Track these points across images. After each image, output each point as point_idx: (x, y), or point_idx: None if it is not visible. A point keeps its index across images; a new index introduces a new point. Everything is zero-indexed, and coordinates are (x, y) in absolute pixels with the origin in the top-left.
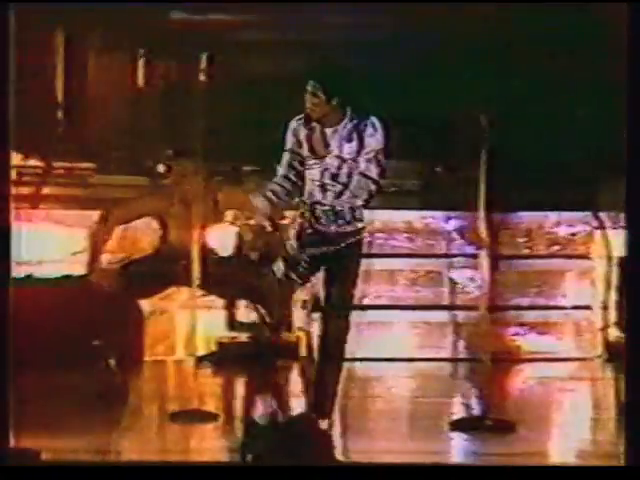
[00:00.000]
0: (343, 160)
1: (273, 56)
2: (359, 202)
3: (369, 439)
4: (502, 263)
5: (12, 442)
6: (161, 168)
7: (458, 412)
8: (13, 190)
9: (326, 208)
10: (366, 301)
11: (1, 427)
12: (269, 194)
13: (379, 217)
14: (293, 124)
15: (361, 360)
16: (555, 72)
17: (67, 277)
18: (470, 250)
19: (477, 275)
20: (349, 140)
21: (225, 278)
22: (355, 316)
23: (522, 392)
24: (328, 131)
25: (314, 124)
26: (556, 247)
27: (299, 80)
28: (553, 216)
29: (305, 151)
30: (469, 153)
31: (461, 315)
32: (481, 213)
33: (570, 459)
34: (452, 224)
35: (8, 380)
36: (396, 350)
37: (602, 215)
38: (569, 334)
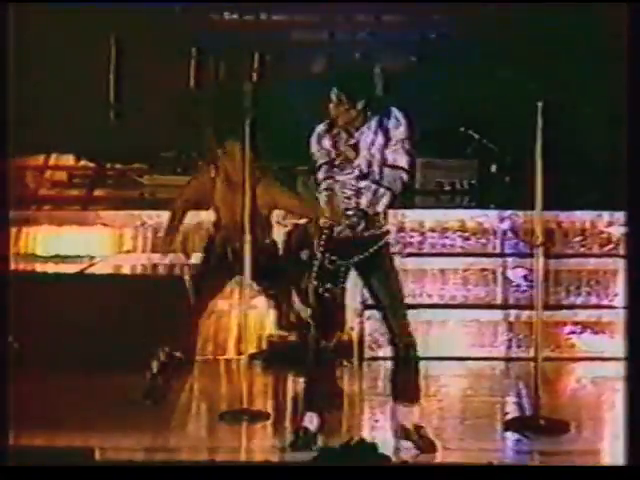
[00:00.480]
0: (372, 157)
1: (324, 55)
2: (395, 193)
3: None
4: (556, 262)
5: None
6: None
7: (511, 411)
8: (64, 192)
9: (359, 213)
10: (418, 300)
11: (1, 427)
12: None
13: (432, 216)
14: (319, 133)
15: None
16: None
17: (116, 276)
18: (524, 249)
19: (531, 274)
20: (375, 136)
21: (276, 277)
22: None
23: (575, 392)
24: (355, 135)
25: (339, 130)
26: (609, 246)
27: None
28: (606, 215)
29: (336, 160)
30: (523, 152)
31: (514, 314)
32: (535, 212)
33: (620, 460)
34: (506, 223)
35: (8, 380)
36: (449, 349)
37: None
38: (621, 334)
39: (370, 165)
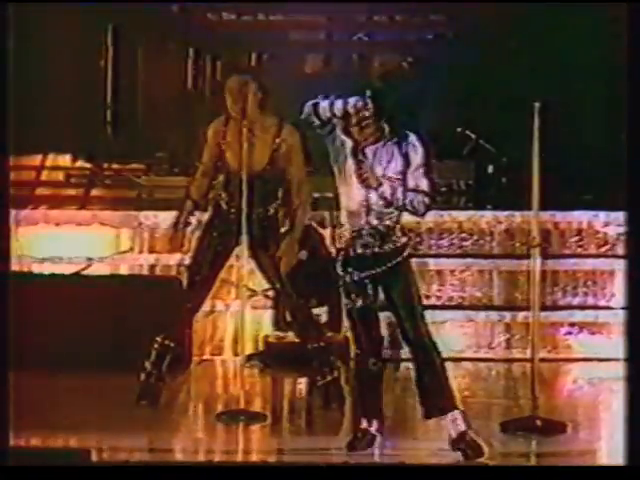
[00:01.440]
0: (391, 181)
1: (321, 55)
2: (418, 216)
3: (417, 439)
4: (553, 263)
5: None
6: None
7: (508, 412)
8: (61, 191)
9: (372, 231)
10: None
11: (1, 426)
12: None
13: (429, 217)
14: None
15: (410, 360)
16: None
17: (114, 277)
18: (520, 250)
19: (527, 274)
20: (392, 159)
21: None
22: None
23: (572, 392)
24: (371, 150)
25: (353, 146)
26: (606, 247)
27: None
28: (602, 216)
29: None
30: (520, 153)
31: (511, 315)
32: (532, 213)
33: (618, 460)
34: (502, 223)
35: (8, 380)
36: (445, 350)
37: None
38: (618, 334)
39: (394, 192)
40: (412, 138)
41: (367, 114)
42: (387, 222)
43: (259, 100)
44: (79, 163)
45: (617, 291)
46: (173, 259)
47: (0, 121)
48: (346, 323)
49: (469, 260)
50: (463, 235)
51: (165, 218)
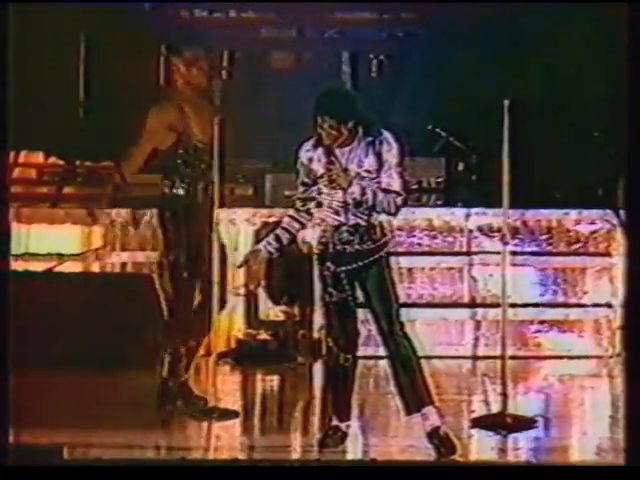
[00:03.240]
0: (362, 179)
1: (293, 53)
2: (389, 217)
3: (388, 437)
4: (523, 260)
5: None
6: None
7: (478, 409)
8: (33, 189)
9: (349, 229)
10: None
11: (1, 426)
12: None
13: (399, 214)
14: (304, 153)
15: (380, 358)
16: (571, 68)
17: (85, 274)
18: (491, 247)
19: (497, 272)
20: (366, 158)
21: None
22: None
23: (542, 389)
24: (344, 152)
25: (322, 148)
26: (577, 245)
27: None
28: (574, 213)
29: (323, 177)
30: (490, 151)
31: (481, 312)
32: (502, 210)
33: (589, 456)
34: (472, 221)
35: (8, 380)
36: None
37: (623, 213)
38: (589, 332)
39: (364, 192)
40: (386, 135)
41: (332, 123)
42: (366, 220)
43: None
44: (51, 160)
45: (588, 289)
46: (145, 256)
47: None
48: (321, 318)
49: (439, 258)
50: (433, 233)
51: (138, 215)
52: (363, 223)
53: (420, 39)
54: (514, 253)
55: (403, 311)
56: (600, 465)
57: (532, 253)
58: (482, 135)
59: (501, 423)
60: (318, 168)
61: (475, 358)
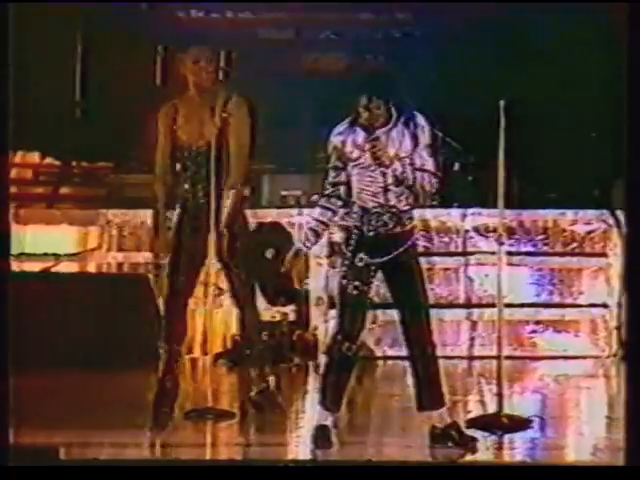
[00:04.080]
0: (401, 159)
1: (290, 53)
2: (427, 197)
3: (386, 436)
4: (519, 260)
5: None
6: None
7: (474, 409)
8: (30, 189)
9: (390, 210)
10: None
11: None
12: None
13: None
14: (337, 136)
15: (376, 359)
16: (568, 69)
17: (81, 274)
18: (487, 248)
19: (493, 272)
20: (403, 138)
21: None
22: (371, 314)
23: (538, 389)
24: (380, 132)
25: (360, 129)
26: (573, 245)
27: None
28: (570, 214)
29: (358, 159)
30: (486, 151)
31: (477, 312)
32: (498, 211)
33: (585, 457)
34: (468, 221)
35: (8, 380)
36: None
37: (619, 213)
38: (585, 332)
39: (404, 171)
40: (420, 119)
41: (380, 103)
42: (402, 203)
43: (213, 72)
44: (47, 161)
45: (584, 289)
46: (141, 257)
47: None
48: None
49: (435, 258)
50: (429, 233)
51: (134, 216)
52: (401, 206)
53: (416, 39)
54: (510, 253)
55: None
56: (599, 465)
57: (528, 253)
58: (478, 135)
59: (497, 423)
60: (353, 150)
61: (471, 358)
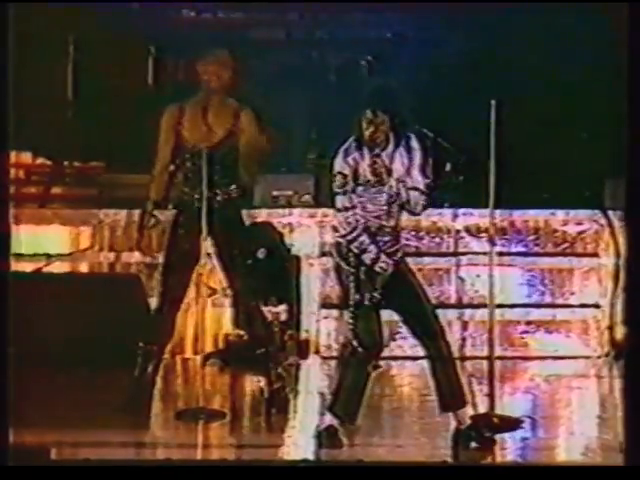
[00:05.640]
0: (399, 181)
1: (283, 54)
2: (415, 214)
3: (379, 437)
4: (510, 261)
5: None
6: None
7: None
8: (22, 189)
9: (389, 229)
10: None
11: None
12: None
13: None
14: (348, 157)
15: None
16: (558, 69)
17: (73, 274)
18: (478, 248)
19: (485, 273)
20: (399, 156)
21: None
22: None
23: (530, 389)
24: (384, 154)
25: (365, 150)
26: (564, 245)
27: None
28: (561, 214)
29: (366, 177)
30: (477, 151)
31: (468, 313)
32: (489, 211)
33: (576, 456)
34: (460, 222)
35: (8, 379)
36: (404, 348)
37: (611, 213)
38: (577, 332)
39: (398, 189)
40: (412, 139)
41: (385, 118)
42: (399, 222)
43: (229, 79)
44: (39, 161)
45: (576, 289)
46: (133, 257)
47: None
48: (348, 318)
49: (426, 259)
50: (420, 234)
51: (126, 216)
52: (394, 224)
53: (407, 40)
54: (501, 254)
55: (390, 312)
56: (599, 465)
57: (519, 254)
58: (469, 135)
59: (488, 423)
60: (365, 168)
61: (462, 359)
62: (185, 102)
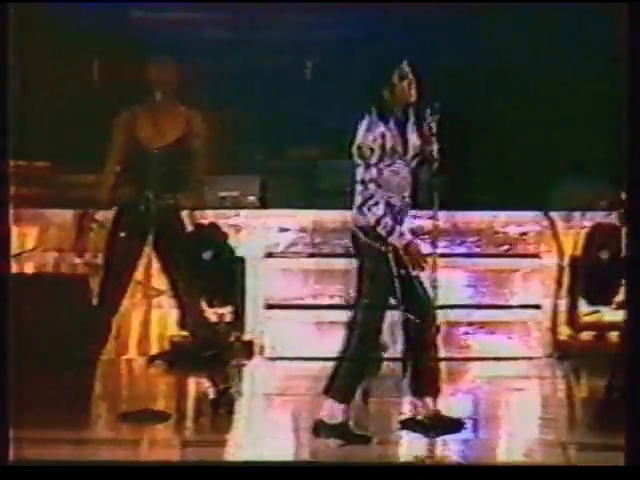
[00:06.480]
0: (416, 150)
1: (233, 54)
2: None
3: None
4: (452, 262)
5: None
6: None
7: (407, 411)
8: None
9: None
10: (318, 300)
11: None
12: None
13: (335, 217)
14: (373, 130)
15: (312, 359)
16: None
17: (19, 275)
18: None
19: (426, 274)
20: (415, 131)
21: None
22: (306, 315)
23: (471, 391)
24: (409, 124)
25: (393, 117)
26: (506, 246)
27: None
28: (503, 215)
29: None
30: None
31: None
32: (431, 212)
33: (518, 457)
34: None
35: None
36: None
37: (553, 214)
38: (518, 333)
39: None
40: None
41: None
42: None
43: (174, 84)
44: None
45: (518, 290)
46: (79, 258)
47: None
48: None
49: None
50: None
51: (71, 216)
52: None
53: (351, 41)
54: (443, 255)
55: (336, 313)
56: (599, 465)
57: (461, 255)
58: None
59: (430, 424)
60: (393, 140)
61: (404, 360)
62: (137, 106)
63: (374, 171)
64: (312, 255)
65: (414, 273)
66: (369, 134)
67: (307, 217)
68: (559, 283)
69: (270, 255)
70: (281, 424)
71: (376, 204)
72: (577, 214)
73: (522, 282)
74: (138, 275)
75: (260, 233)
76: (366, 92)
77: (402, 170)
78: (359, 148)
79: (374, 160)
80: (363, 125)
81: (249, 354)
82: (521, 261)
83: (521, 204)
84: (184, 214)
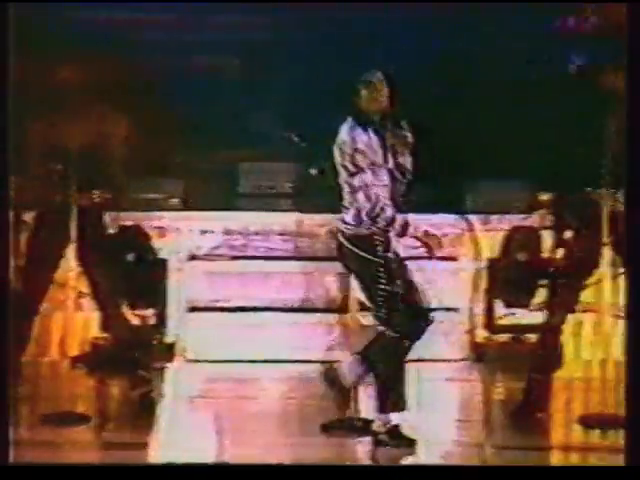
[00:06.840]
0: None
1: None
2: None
3: (244, 439)
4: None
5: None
6: None
7: (329, 414)
8: None
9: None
10: (241, 303)
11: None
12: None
13: (256, 219)
14: (360, 137)
15: (235, 362)
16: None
17: None
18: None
19: (349, 277)
20: (394, 141)
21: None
22: (229, 318)
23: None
24: (387, 132)
25: (369, 126)
26: (445, 249)
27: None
28: (436, 219)
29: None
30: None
31: (332, 317)
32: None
33: (435, 460)
34: (326, 226)
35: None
36: (270, 352)
37: (470, 217)
38: (436, 336)
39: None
40: (402, 122)
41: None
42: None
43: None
44: None
45: (435, 293)
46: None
47: None
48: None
49: (294, 262)
50: (286, 237)
51: None
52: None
53: (279, 42)
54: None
55: (257, 315)
56: (600, 465)
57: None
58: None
59: (352, 426)
60: (377, 149)
61: (326, 362)
62: (59, 105)
63: (370, 175)
64: (235, 258)
65: (401, 290)
66: (360, 143)
67: (230, 219)
68: (476, 286)
69: (193, 257)
70: (203, 426)
71: (383, 209)
72: (495, 217)
73: (440, 285)
74: (59, 276)
75: (184, 235)
76: (291, 96)
77: (383, 176)
78: (352, 155)
79: (364, 165)
80: (345, 130)
81: (171, 356)
82: (439, 264)
83: (439, 207)
84: (107, 216)
